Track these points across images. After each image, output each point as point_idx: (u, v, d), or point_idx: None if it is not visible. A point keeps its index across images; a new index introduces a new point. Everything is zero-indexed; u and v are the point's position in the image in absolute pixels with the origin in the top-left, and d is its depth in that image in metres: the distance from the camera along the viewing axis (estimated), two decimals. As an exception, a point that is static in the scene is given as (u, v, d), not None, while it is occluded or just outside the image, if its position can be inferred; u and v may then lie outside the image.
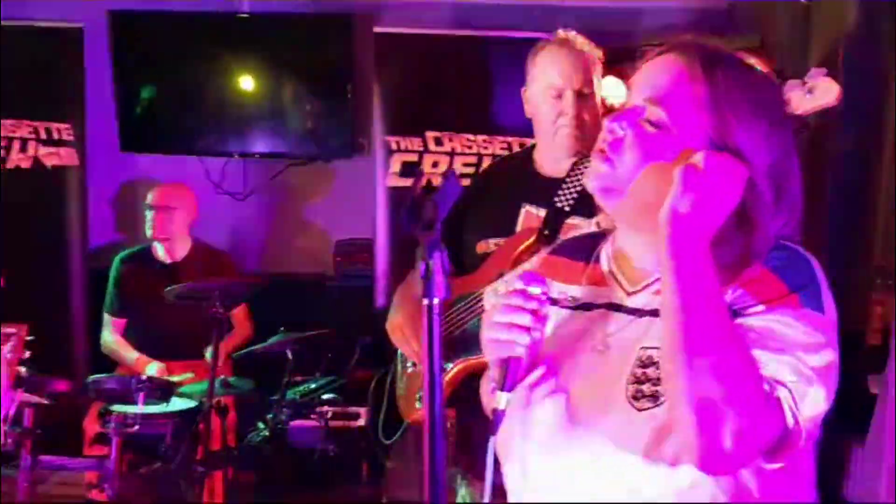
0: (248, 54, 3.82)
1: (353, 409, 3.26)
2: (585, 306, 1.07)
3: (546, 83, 1.91)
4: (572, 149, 1.92)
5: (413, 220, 0.86)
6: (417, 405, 2.02)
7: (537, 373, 1.03)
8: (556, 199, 1.90)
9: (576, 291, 1.09)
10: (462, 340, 1.88)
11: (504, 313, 1.00)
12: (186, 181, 3.64)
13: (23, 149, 3.74)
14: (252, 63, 3.83)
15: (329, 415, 3.14)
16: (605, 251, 1.10)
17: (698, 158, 0.93)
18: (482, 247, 2.01)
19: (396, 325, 2.03)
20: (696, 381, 0.87)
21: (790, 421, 0.89)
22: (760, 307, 0.93)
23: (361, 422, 3.25)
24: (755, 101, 0.97)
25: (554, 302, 1.06)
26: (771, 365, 0.90)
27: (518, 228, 1.97)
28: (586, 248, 1.12)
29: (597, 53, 1.96)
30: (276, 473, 3.19)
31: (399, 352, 2.11)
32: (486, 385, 1.12)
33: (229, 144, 3.89)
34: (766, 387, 0.89)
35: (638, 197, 0.98)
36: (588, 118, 1.90)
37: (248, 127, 3.88)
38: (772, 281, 0.94)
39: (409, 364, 2.09)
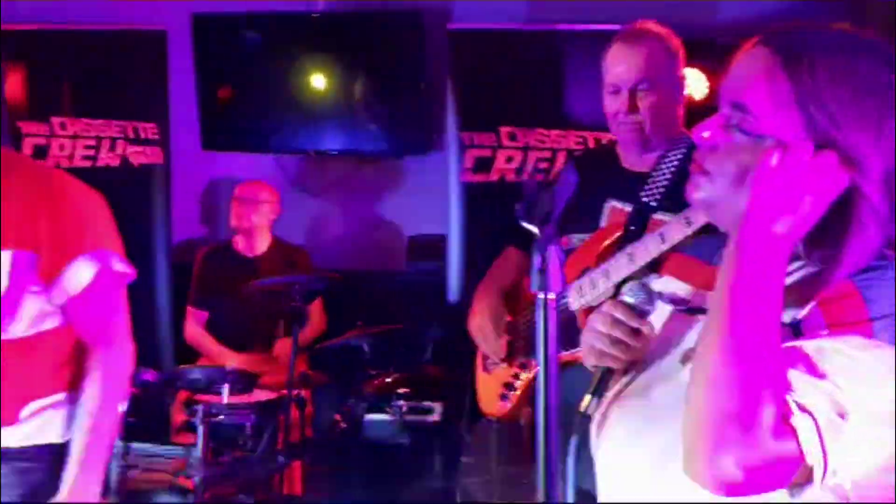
0: (323, 53, 3.88)
1: (428, 403, 3.28)
2: (692, 310, 1.02)
3: (607, 79, 1.88)
4: (633, 144, 1.89)
5: (529, 214, 0.85)
6: (498, 402, 2.02)
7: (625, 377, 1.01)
8: (643, 194, 1.86)
9: (687, 293, 1.04)
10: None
11: (609, 325, 0.97)
12: (264, 178, 3.74)
13: (112, 148, 3.90)
14: (326, 61, 3.89)
15: (404, 409, 3.16)
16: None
17: (774, 157, 0.84)
18: (565, 242, 1.99)
19: (476, 322, 2.03)
20: (715, 388, 0.80)
21: (810, 453, 0.79)
22: (826, 331, 0.84)
23: (436, 416, 3.26)
24: (861, 91, 0.85)
25: (671, 301, 1.02)
26: (803, 389, 0.81)
27: (603, 224, 1.94)
28: (714, 249, 1.03)
29: (672, 45, 1.90)
30: (350, 466, 3.24)
31: (479, 349, 2.11)
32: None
33: (304, 142, 3.97)
34: (791, 409, 0.80)
35: (739, 207, 0.89)
36: (650, 114, 1.84)
37: (323, 124, 3.95)
38: (854, 302, 0.84)
39: (489, 362, 2.09)
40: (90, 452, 1.48)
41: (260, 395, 2.88)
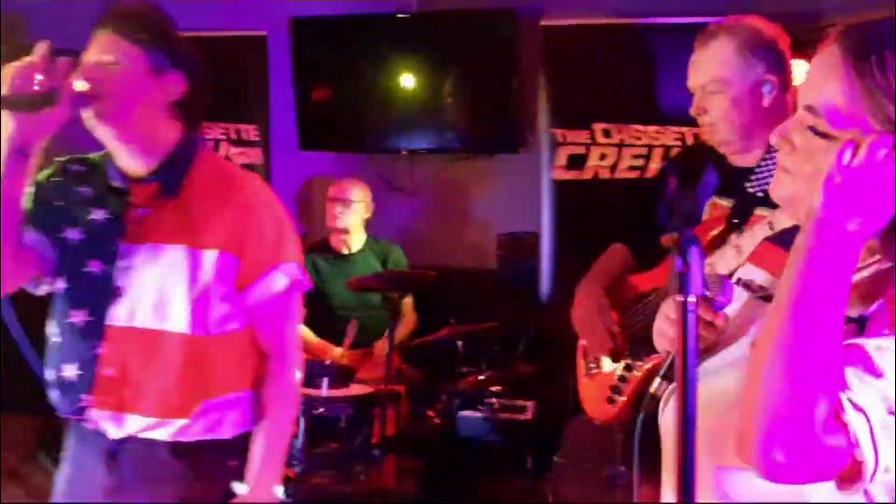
0: (417, 52, 3.93)
1: (521, 402, 3.27)
2: (769, 298, 1.02)
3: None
4: (716, 143, 1.83)
5: (671, 215, 0.84)
6: (605, 405, 1.99)
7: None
8: (748, 186, 1.81)
9: (765, 281, 1.06)
10: (648, 340, 1.84)
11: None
12: (358, 177, 3.81)
13: (215, 148, 4.06)
14: (420, 61, 3.94)
15: (497, 406, 3.17)
16: None
17: (846, 156, 0.84)
18: (667, 240, 1.95)
19: (582, 319, 2.00)
20: (771, 379, 0.83)
21: (862, 451, 0.81)
22: (888, 330, 0.84)
23: (528, 415, 3.26)
24: None
25: (746, 287, 1.04)
26: (859, 388, 0.83)
27: (704, 219, 1.89)
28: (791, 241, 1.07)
29: (753, 41, 1.79)
30: (443, 461, 3.27)
31: (581, 350, 2.08)
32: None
33: (397, 141, 4.03)
34: (844, 406, 0.82)
35: (815, 204, 0.91)
36: (720, 115, 1.77)
37: (415, 124, 4.00)
38: None
39: (591, 364, 2.06)
40: (270, 455, 1.54)
41: (357, 390, 2.94)
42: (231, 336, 1.53)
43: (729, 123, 1.78)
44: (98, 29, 1.49)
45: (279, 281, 1.55)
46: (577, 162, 3.61)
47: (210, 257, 1.48)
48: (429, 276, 3.04)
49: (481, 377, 3.21)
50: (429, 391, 3.26)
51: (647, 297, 1.89)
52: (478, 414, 3.20)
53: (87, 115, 1.44)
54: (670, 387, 1.02)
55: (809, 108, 0.90)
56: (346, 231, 3.53)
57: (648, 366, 1.84)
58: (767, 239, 1.16)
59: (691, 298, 0.85)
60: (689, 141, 3.42)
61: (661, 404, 1.02)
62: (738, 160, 1.87)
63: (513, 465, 3.32)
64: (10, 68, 1.33)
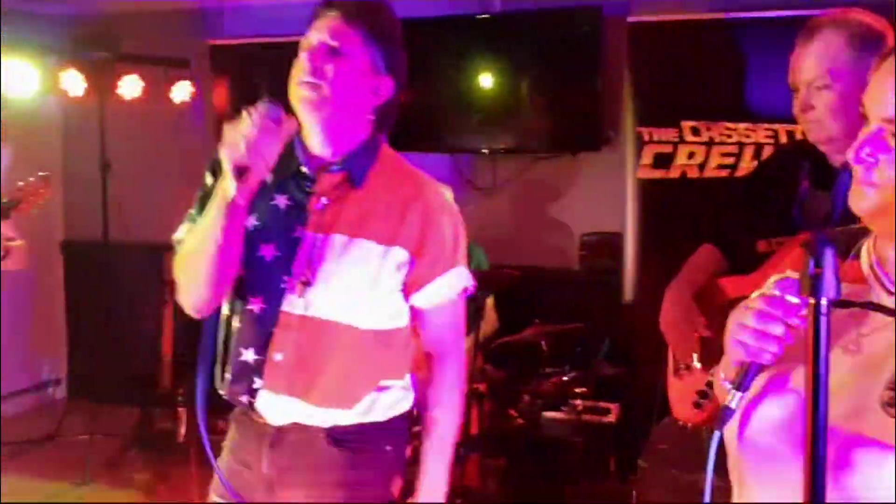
0: (498, 52, 3.94)
1: (605, 404, 3.24)
2: (839, 304, 0.98)
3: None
4: (820, 141, 1.75)
5: (805, 216, 0.82)
6: (692, 409, 1.95)
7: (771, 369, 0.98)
8: None
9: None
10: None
11: (758, 319, 0.95)
12: (440, 178, 3.83)
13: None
14: (501, 60, 3.94)
15: (580, 408, 3.14)
16: (867, 248, 1.01)
17: None
18: (763, 246, 1.89)
19: (670, 323, 1.97)
20: None
21: None
22: None
23: (612, 417, 3.22)
24: None
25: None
26: None
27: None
28: (845, 243, 1.03)
29: (863, 34, 1.72)
30: (526, 461, 3.27)
31: (671, 351, 2.04)
32: (718, 375, 1.08)
33: (478, 141, 4.05)
34: None
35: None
36: (828, 112, 1.70)
37: (497, 123, 4.00)
38: None
39: (681, 365, 2.02)
40: (439, 456, 1.56)
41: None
42: (397, 332, 1.54)
43: (837, 121, 1.71)
44: (326, 9, 1.46)
45: (452, 284, 1.55)
46: (663, 160, 3.54)
47: (389, 254, 1.47)
48: (513, 275, 3.04)
49: (565, 378, 3.19)
50: (511, 391, 3.26)
51: (739, 304, 1.83)
52: (561, 415, 3.18)
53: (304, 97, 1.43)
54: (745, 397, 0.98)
55: (886, 120, 0.90)
56: None
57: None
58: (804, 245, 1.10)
59: (823, 302, 0.82)
60: (783, 138, 3.31)
61: (736, 420, 0.99)
62: (840, 159, 1.80)
63: (596, 468, 3.29)
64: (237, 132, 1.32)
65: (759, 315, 0.95)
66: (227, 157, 1.33)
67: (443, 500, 1.57)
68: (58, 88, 4.24)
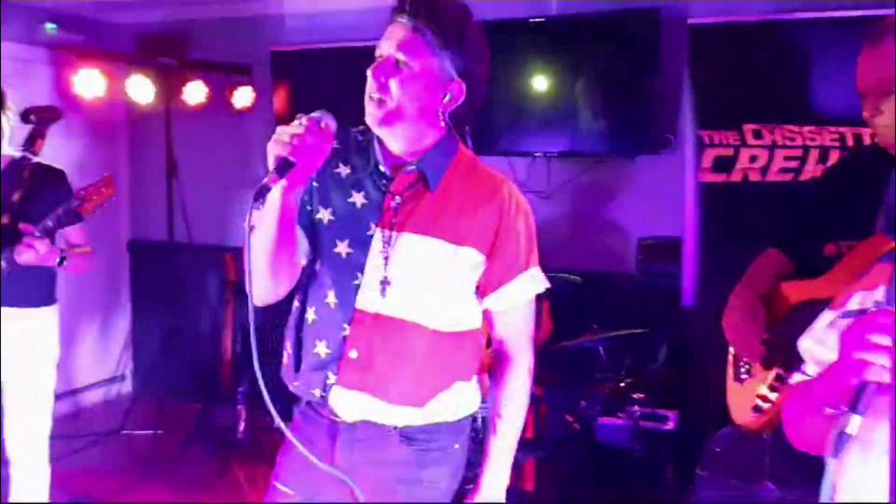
0: (554, 55, 3.92)
1: (663, 411, 3.19)
2: None
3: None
4: (889, 148, 1.70)
5: (889, 223, 0.81)
6: (751, 414, 1.92)
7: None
8: None
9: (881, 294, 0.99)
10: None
11: (878, 334, 0.91)
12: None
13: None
14: (557, 63, 3.92)
15: (638, 414, 3.11)
16: None
17: None
18: (831, 249, 1.85)
19: (733, 326, 1.94)
20: None
21: None
22: None
23: (670, 425, 3.17)
24: None
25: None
26: None
27: (877, 230, 1.77)
28: None
29: None
30: (582, 467, 3.24)
31: (731, 355, 2.01)
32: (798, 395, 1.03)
33: (533, 144, 4.03)
34: None
35: None
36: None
37: (552, 126, 3.98)
38: None
39: (742, 369, 1.99)
40: (505, 453, 1.61)
41: (496, 391, 2.97)
42: (470, 334, 1.55)
43: None
44: (397, 14, 1.45)
45: (526, 287, 1.55)
46: (724, 164, 3.48)
47: (463, 254, 1.48)
48: (572, 280, 3.02)
49: (622, 384, 3.16)
50: (568, 396, 3.24)
51: (805, 309, 1.79)
52: (618, 421, 3.14)
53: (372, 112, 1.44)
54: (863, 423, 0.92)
55: None
56: None
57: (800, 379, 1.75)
58: (885, 259, 1.06)
59: None
60: (850, 142, 3.22)
61: (857, 445, 0.94)
62: None
63: (653, 476, 3.24)
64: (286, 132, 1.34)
65: (873, 329, 0.91)
66: (271, 151, 1.35)
67: (504, 497, 1.60)
68: (126, 94, 4.39)
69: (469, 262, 1.49)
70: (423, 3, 1.44)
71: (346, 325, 1.47)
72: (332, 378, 1.49)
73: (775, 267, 1.98)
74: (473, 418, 1.65)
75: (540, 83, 3.97)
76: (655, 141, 3.75)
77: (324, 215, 1.50)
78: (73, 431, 4.14)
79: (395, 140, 1.50)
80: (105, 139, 4.89)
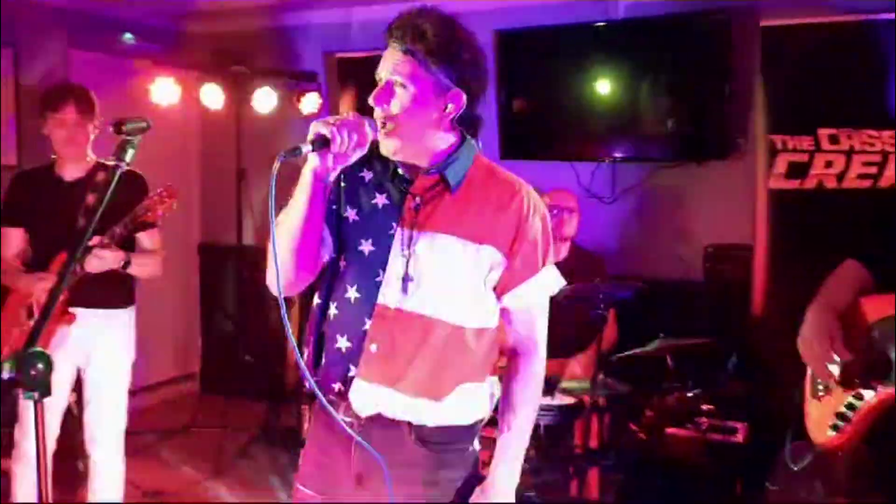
0: (621, 59, 3.88)
1: (732, 423, 3.12)
2: None
3: None
4: None
5: None
6: (829, 432, 1.86)
7: None
8: None
9: None
10: (881, 370, 1.69)
11: None
12: (560, 186, 3.81)
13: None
14: (624, 68, 3.88)
15: (706, 426, 3.04)
16: None
17: None
18: None
19: (808, 341, 1.88)
20: None
21: None
22: None
23: (739, 437, 3.09)
24: None
25: None
26: None
27: None
28: None
29: None
30: (648, 478, 3.19)
31: (809, 371, 1.95)
32: None
33: (598, 149, 4.00)
34: None
35: None
36: None
37: (617, 131, 3.94)
38: None
39: (819, 386, 1.93)
40: (514, 448, 1.62)
41: (560, 399, 2.95)
42: (487, 332, 1.60)
43: None
44: (390, 40, 1.51)
45: (541, 285, 1.60)
46: (798, 170, 3.38)
47: (483, 253, 1.53)
48: (640, 287, 2.97)
49: (689, 394, 3.09)
50: (633, 405, 3.19)
51: (884, 324, 1.73)
52: (685, 432, 3.08)
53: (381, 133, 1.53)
54: None
55: None
56: (563, 240, 3.49)
57: (880, 398, 1.69)
58: None
59: None
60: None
61: None
62: None
63: (721, 490, 3.16)
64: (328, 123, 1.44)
65: None
66: (313, 129, 1.43)
67: (513, 495, 1.59)
68: (199, 101, 4.53)
69: (490, 260, 1.54)
70: (410, 25, 1.49)
71: (367, 320, 1.52)
72: (352, 371, 1.53)
73: (854, 280, 1.91)
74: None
75: (605, 87, 3.94)
76: (725, 145, 3.67)
77: (349, 215, 1.57)
78: (144, 427, 4.27)
79: (413, 158, 1.55)
80: (178, 146, 5.04)
